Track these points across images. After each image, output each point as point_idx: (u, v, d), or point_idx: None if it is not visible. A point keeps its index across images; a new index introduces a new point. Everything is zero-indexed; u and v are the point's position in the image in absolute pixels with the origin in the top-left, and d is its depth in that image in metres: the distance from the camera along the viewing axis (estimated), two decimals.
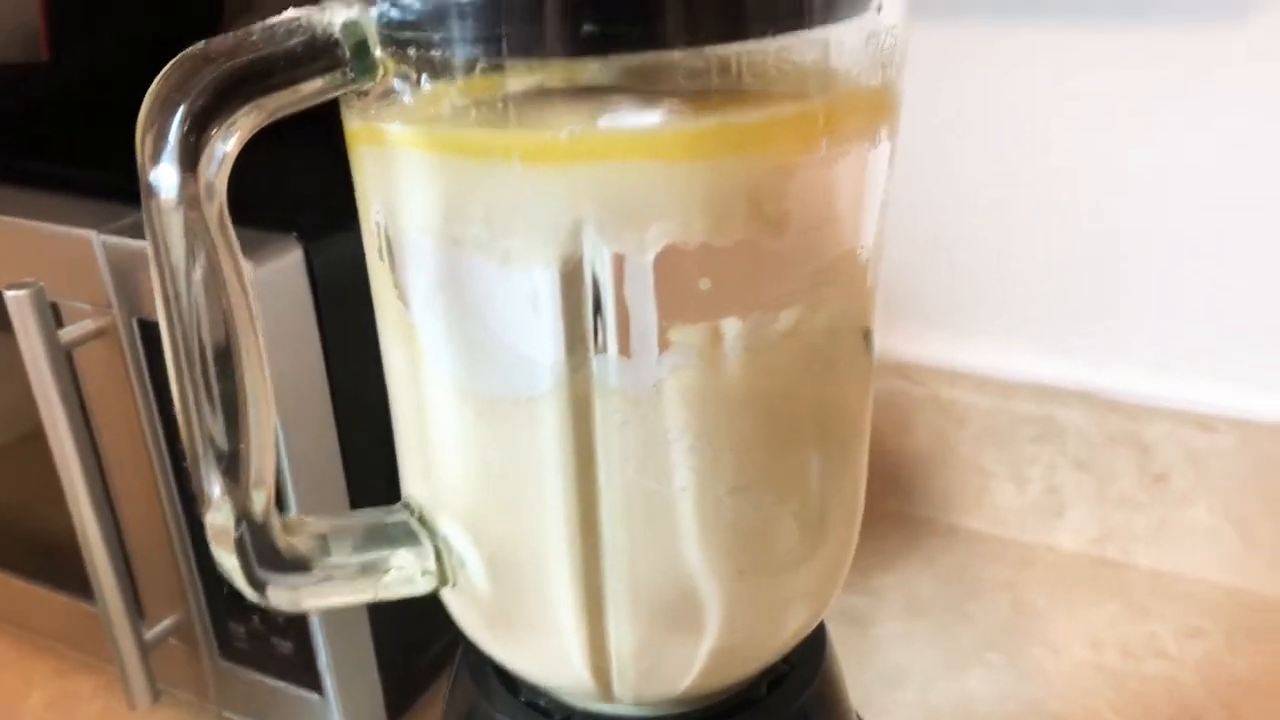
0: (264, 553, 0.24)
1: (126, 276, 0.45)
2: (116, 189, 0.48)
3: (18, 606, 0.60)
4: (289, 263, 0.44)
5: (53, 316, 0.45)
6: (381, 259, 0.26)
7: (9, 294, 0.44)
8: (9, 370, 0.52)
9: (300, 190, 0.50)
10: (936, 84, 0.58)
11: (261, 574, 0.24)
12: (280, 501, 0.44)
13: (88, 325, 0.46)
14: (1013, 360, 0.62)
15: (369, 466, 0.48)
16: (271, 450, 0.24)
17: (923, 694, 0.54)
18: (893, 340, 0.65)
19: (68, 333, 0.46)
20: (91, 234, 0.45)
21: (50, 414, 0.46)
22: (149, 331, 0.46)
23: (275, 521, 0.24)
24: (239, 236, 0.45)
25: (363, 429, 0.47)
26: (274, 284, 0.43)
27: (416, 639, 0.53)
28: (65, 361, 0.45)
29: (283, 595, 0.25)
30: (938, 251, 0.62)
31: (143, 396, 0.47)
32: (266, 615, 0.49)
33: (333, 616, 0.48)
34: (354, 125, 0.25)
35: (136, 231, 0.45)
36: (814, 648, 0.31)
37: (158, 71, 0.22)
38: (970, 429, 0.63)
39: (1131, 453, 0.59)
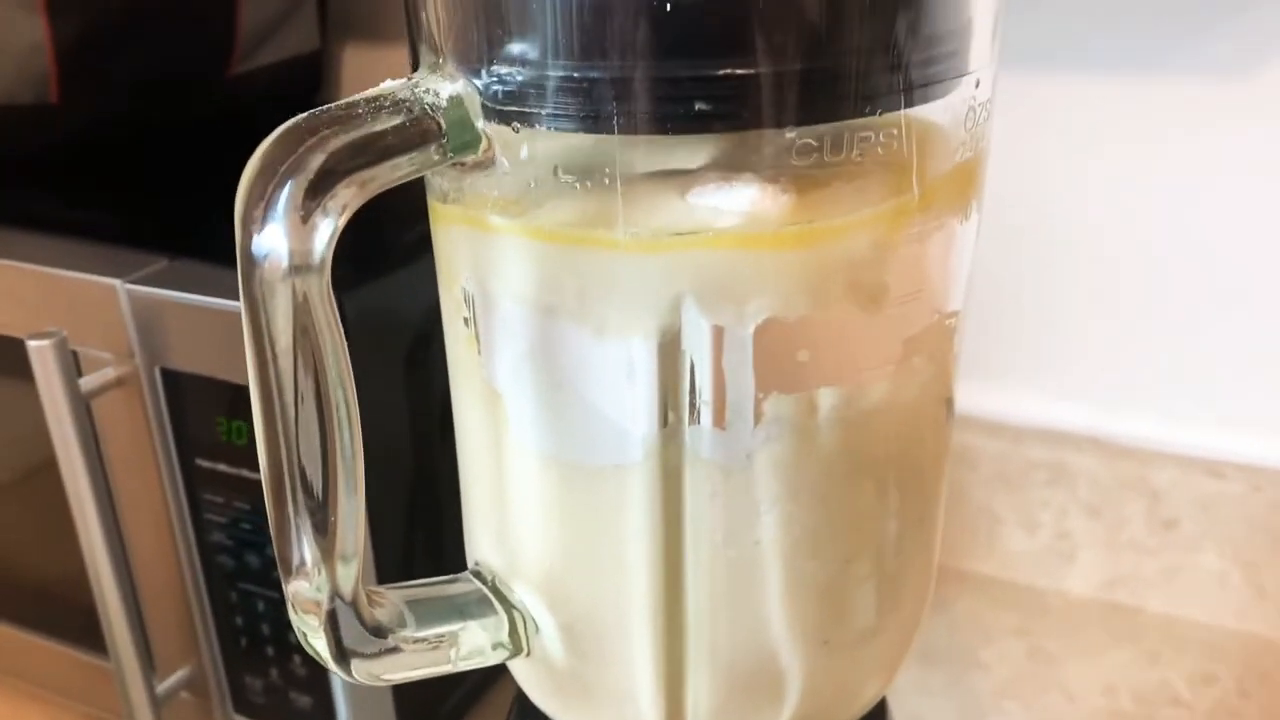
0: (352, 626, 0.24)
1: (150, 326, 0.45)
2: (137, 235, 0.48)
3: (12, 655, 0.58)
4: None
5: (73, 364, 0.44)
6: (467, 326, 0.25)
7: (31, 344, 0.43)
8: (9, 410, 0.51)
9: None
10: None
11: (349, 647, 0.24)
12: None
13: (108, 374, 0.45)
14: (1024, 405, 0.63)
15: (394, 529, 0.48)
16: (362, 522, 0.23)
17: None
18: None
19: (88, 381, 0.45)
20: (116, 283, 0.44)
21: (68, 462, 0.45)
22: (172, 381, 0.45)
23: (363, 595, 0.24)
24: None
25: (392, 490, 0.47)
26: None
27: (435, 689, 0.53)
28: (85, 410, 0.45)
29: (364, 668, 0.25)
30: None
31: (162, 446, 0.47)
32: (285, 668, 0.48)
33: None
34: (447, 203, 0.25)
35: (161, 280, 0.45)
36: (877, 715, 0.31)
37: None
38: (981, 473, 0.63)
39: (1142, 498, 0.60)
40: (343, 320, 0.44)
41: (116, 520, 0.48)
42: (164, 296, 0.44)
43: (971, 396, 0.64)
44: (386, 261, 0.44)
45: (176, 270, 0.45)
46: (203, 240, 0.46)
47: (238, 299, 0.42)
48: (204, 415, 0.45)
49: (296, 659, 0.48)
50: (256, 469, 0.44)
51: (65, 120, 0.57)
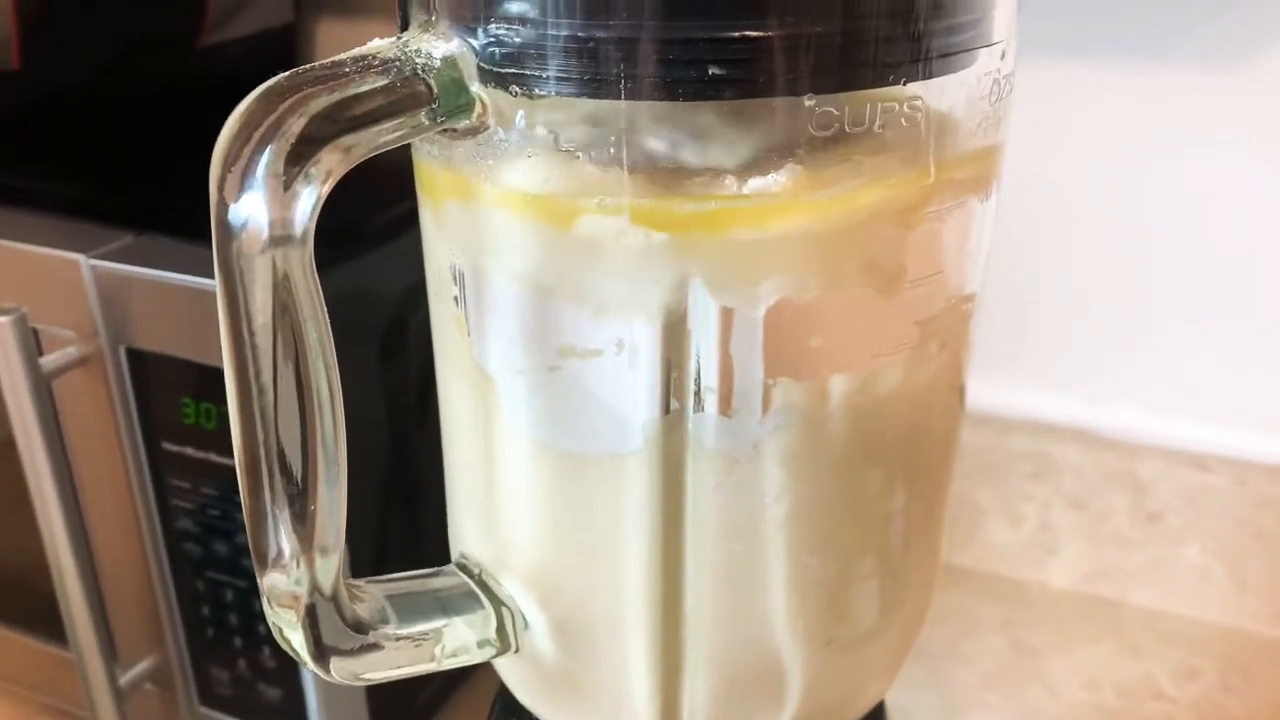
0: (331, 623, 0.22)
1: (115, 303, 0.43)
2: (103, 209, 0.46)
3: None
4: None
5: (34, 343, 0.42)
6: (456, 305, 0.24)
7: None
8: None
9: None
10: None
11: (329, 644, 0.22)
12: None
13: (71, 353, 0.43)
14: (1009, 397, 0.62)
15: (367, 520, 0.46)
16: (343, 513, 0.22)
17: None
18: None
19: (49, 360, 0.43)
20: (79, 258, 0.42)
21: (28, 445, 0.43)
22: (137, 361, 0.43)
23: (344, 589, 0.22)
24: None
25: (365, 480, 0.45)
26: None
27: (409, 682, 0.51)
28: (46, 391, 0.43)
29: (345, 666, 0.23)
30: None
31: (126, 428, 0.45)
32: (253, 659, 0.47)
33: None
34: (436, 173, 0.23)
35: (127, 256, 0.43)
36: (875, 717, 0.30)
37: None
38: (965, 465, 0.63)
39: (1126, 491, 0.59)
40: None
41: (78, 505, 0.46)
42: (130, 273, 0.42)
43: None
44: (359, 243, 0.42)
45: (143, 246, 0.43)
46: (170, 216, 0.44)
47: (207, 276, 0.40)
48: (170, 397, 0.43)
49: (265, 650, 0.46)
50: (224, 453, 0.43)
51: (27, 88, 0.55)
